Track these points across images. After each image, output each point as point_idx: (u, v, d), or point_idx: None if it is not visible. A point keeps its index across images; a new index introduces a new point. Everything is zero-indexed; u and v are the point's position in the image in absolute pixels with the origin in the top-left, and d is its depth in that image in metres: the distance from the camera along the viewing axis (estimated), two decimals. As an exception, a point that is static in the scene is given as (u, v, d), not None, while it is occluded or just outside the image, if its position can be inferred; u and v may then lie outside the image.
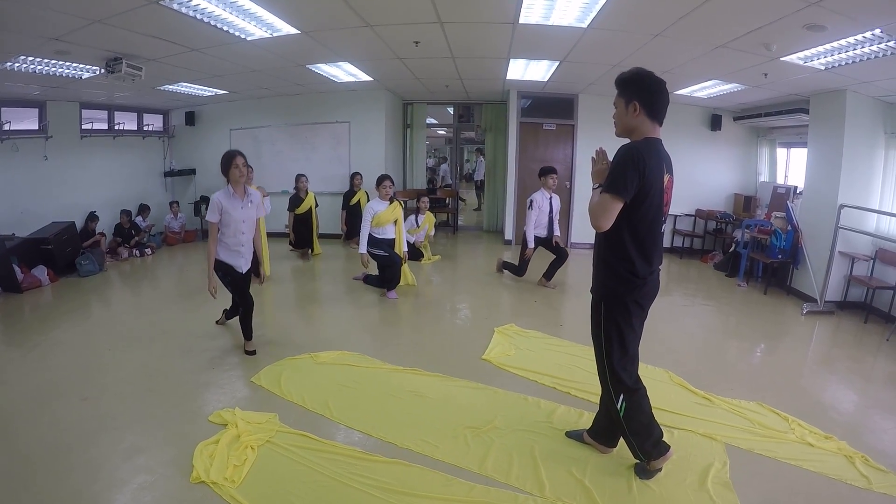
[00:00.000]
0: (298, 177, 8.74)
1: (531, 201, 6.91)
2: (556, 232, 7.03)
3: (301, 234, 8.83)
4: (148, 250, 9.54)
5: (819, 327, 5.93)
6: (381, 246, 6.28)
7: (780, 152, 9.16)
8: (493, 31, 5.35)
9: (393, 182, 6.45)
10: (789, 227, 7.10)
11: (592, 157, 2.95)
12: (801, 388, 4.34)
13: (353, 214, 9.44)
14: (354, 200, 9.50)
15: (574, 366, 4.40)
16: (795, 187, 8.04)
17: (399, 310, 6.14)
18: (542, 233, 6.96)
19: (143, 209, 10.12)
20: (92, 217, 8.86)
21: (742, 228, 7.98)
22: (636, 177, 2.50)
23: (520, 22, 5.00)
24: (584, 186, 9.53)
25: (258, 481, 2.86)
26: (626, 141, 2.72)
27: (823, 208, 6.55)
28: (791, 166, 8.92)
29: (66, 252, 7.95)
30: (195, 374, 4.40)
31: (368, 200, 7.07)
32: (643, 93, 2.65)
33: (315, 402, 3.74)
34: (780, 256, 7.15)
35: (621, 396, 2.79)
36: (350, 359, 4.53)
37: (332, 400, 3.75)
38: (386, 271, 6.42)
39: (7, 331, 6.10)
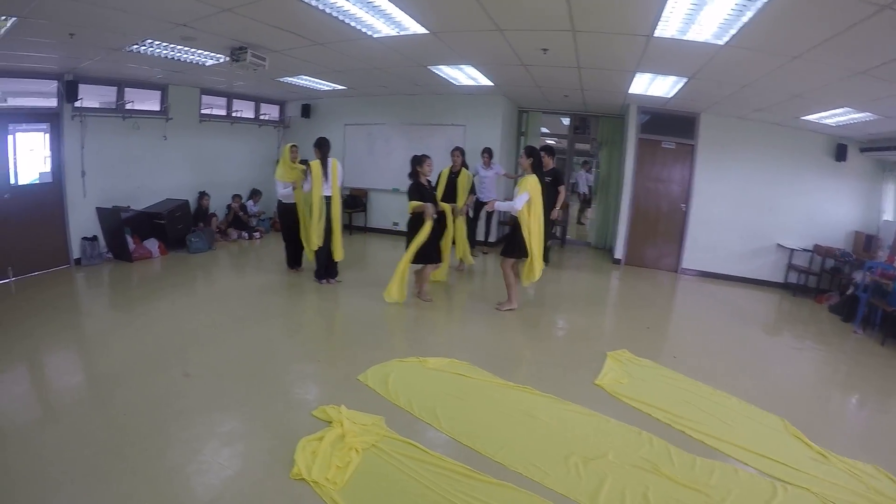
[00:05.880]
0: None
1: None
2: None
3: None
4: (256, 234, 9.94)
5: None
6: None
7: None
8: (626, 42, 5.14)
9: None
10: (916, 276, 6.47)
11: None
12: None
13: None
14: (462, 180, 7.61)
15: (687, 402, 4.15)
16: (923, 231, 7.37)
17: (505, 322, 5.95)
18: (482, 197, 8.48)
19: (255, 194, 10.50)
20: (203, 195, 9.28)
21: (864, 270, 7.37)
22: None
23: (655, 35, 4.79)
24: (701, 210, 9.19)
25: (361, 486, 2.81)
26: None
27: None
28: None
29: (177, 228, 8.35)
30: (300, 363, 4.46)
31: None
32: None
33: (423, 409, 3.68)
34: (902, 306, 6.52)
35: None
36: (460, 368, 4.44)
37: (441, 409, 3.68)
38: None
39: (115, 297, 6.45)
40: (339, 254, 6.85)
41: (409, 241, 6.15)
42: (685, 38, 4.80)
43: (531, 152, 5.99)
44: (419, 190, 6.18)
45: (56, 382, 4.06)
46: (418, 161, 6.24)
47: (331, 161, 6.66)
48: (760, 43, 4.67)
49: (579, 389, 4.24)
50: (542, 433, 3.51)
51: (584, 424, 3.67)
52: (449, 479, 2.90)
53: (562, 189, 8.23)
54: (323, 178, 6.52)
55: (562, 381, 4.36)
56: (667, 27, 4.61)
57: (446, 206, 6.95)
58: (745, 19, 4.14)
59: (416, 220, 6.17)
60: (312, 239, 6.57)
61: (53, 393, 3.86)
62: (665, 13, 4.26)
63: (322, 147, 6.66)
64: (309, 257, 7.21)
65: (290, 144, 7.07)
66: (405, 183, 9.41)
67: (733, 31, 4.47)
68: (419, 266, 6.36)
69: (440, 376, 4.24)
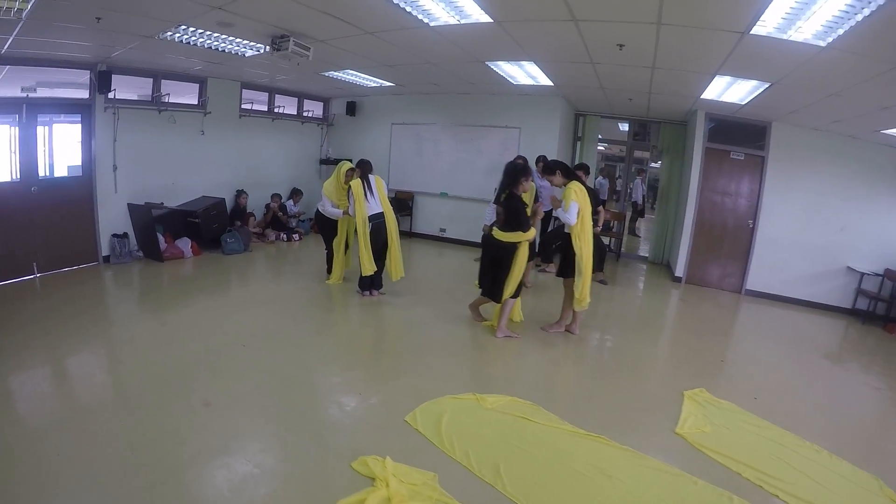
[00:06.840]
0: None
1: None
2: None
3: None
4: (295, 236, 9.54)
5: None
6: None
7: None
8: (715, 39, 4.53)
9: None
10: None
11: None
12: None
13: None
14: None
15: (777, 457, 3.56)
16: None
17: (564, 349, 5.35)
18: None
19: (295, 193, 10.13)
20: (241, 193, 8.97)
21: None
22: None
23: (751, 32, 4.19)
24: (768, 227, 8.47)
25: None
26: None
27: None
28: None
29: (212, 227, 8.02)
30: (339, 396, 3.95)
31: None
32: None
33: (483, 464, 3.11)
34: None
35: None
36: (523, 409, 3.85)
37: (505, 465, 3.12)
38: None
39: (141, 301, 6.11)
40: (397, 274, 6.32)
41: (495, 271, 5.24)
42: (783, 36, 4.19)
43: (556, 165, 5.43)
44: (524, 212, 5.17)
45: (64, 401, 3.64)
46: (524, 172, 5.13)
47: (373, 178, 6.29)
48: (865, 47, 4.07)
49: (658, 439, 3.66)
50: (621, 499, 2.94)
51: (667, 487, 3.09)
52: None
53: (601, 209, 7.70)
54: (368, 193, 6.11)
55: (638, 429, 3.76)
56: (766, 24, 4.01)
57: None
58: (859, 17, 3.54)
59: (511, 246, 5.11)
60: (365, 265, 6.07)
61: (58, 415, 3.41)
62: (770, 6, 3.66)
63: (363, 166, 6.31)
64: (332, 278, 6.87)
65: (347, 167, 6.41)
66: (454, 187, 8.74)
67: (840, 31, 3.85)
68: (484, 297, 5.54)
69: (501, 419, 3.67)
